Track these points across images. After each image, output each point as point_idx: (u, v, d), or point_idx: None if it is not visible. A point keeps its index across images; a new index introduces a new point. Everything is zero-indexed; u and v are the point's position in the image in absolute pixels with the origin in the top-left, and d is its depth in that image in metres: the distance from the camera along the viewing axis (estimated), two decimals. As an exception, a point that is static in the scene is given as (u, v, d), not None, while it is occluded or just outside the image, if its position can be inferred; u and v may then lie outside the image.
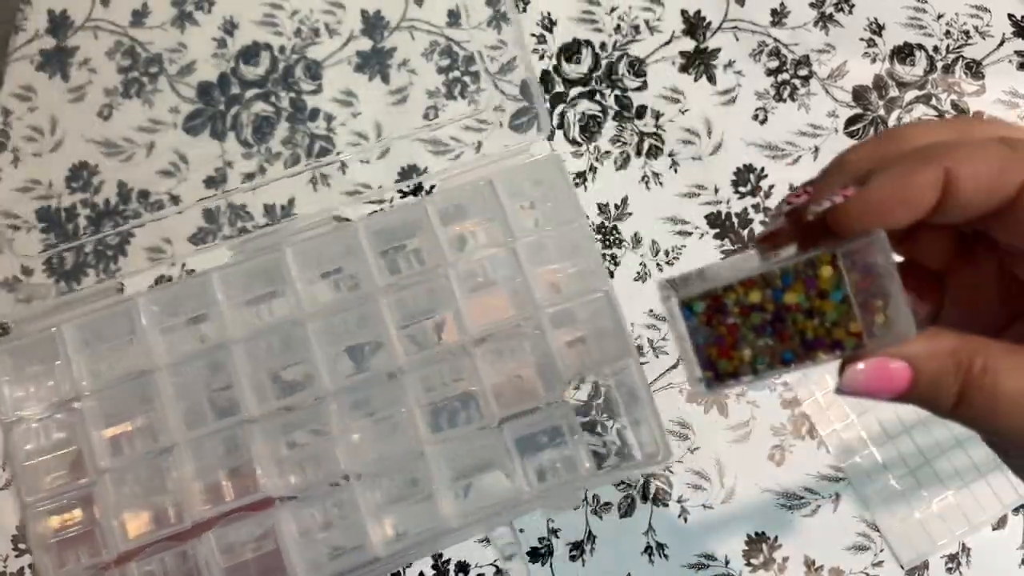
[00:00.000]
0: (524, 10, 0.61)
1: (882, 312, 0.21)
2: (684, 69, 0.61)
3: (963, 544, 0.53)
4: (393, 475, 0.45)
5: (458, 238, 0.50)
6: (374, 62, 0.60)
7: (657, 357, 0.56)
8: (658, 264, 0.57)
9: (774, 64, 0.61)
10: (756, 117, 0.60)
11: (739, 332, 0.22)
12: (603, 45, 0.61)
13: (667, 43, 0.61)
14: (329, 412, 0.45)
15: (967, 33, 0.62)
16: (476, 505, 0.46)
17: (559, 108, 0.60)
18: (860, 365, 0.21)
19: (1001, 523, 0.54)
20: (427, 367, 0.46)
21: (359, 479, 0.44)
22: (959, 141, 0.21)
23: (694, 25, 0.62)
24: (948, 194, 0.21)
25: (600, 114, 0.60)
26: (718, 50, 0.61)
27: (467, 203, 0.49)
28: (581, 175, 0.59)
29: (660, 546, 0.53)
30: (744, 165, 0.59)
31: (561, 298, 0.47)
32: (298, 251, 0.47)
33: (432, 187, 0.56)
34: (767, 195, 0.58)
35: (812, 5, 0.62)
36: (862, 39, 0.61)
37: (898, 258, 0.22)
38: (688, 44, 0.61)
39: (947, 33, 0.62)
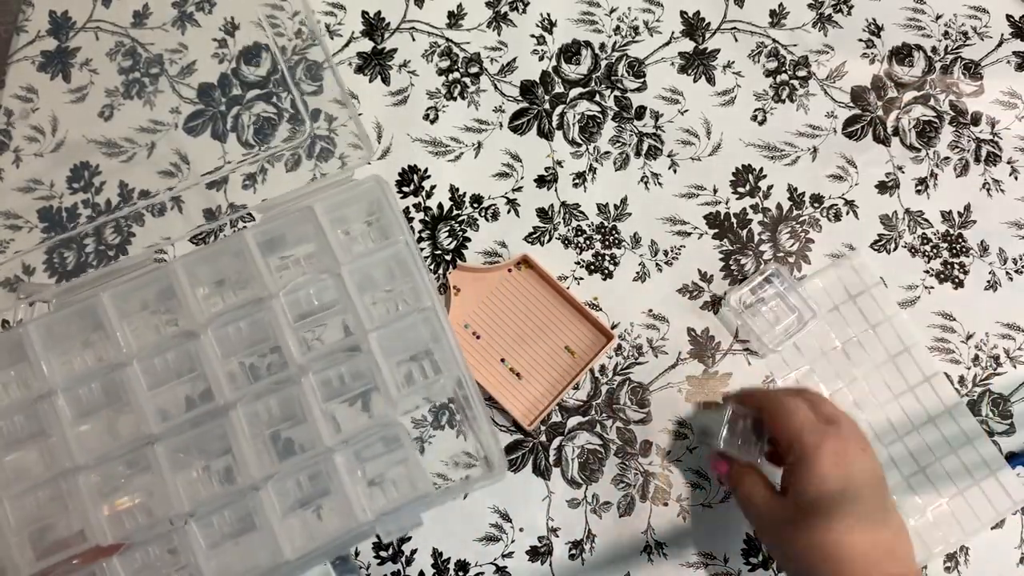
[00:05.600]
0: (524, 11, 0.62)
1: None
2: (683, 70, 0.61)
3: (961, 544, 0.53)
4: (224, 512, 0.44)
5: (281, 267, 0.49)
6: (375, 63, 0.60)
7: (656, 357, 0.56)
8: (657, 264, 0.57)
9: (773, 65, 0.61)
10: (755, 118, 0.60)
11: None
12: (603, 46, 0.61)
13: (666, 44, 0.61)
14: (158, 454, 0.43)
15: (965, 34, 0.62)
16: (314, 537, 0.43)
17: (559, 109, 0.60)
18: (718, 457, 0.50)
19: (999, 523, 0.54)
20: (261, 399, 0.45)
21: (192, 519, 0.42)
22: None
23: (693, 26, 0.62)
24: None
25: (599, 115, 0.60)
26: (717, 51, 0.61)
27: (288, 231, 0.47)
28: (581, 175, 0.59)
29: (659, 545, 0.54)
30: (743, 165, 0.59)
31: (390, 318, 0.45)
32: (116, 294, 0.44)
33: (250, 216, 0.55)
34: (766, 195, 0.59)
35: (811, 6, 0.62)
36: (860, 40, 0.62)
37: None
38: (687, 45, 0.61)
39: (945, 34, 0.62)
